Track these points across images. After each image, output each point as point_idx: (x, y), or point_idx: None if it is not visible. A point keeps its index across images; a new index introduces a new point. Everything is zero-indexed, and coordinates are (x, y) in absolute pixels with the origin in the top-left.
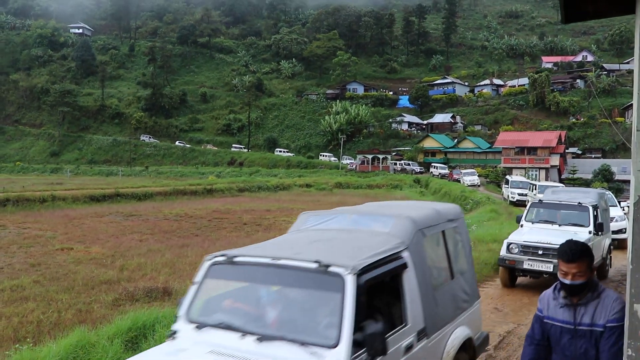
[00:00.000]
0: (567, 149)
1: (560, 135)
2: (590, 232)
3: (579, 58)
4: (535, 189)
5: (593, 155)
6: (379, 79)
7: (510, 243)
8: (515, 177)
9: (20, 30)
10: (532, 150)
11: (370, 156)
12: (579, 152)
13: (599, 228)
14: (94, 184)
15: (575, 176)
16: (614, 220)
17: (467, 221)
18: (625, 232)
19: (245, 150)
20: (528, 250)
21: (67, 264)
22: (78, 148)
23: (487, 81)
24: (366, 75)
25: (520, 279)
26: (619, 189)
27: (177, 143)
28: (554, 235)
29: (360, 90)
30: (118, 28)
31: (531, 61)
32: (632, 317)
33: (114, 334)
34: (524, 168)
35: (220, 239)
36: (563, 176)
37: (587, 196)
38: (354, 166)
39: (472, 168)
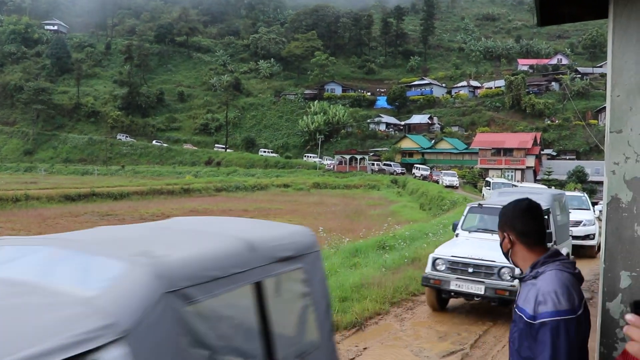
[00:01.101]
0: (542, 150)
1: (535, 137)
2: None
3: (554, 61)
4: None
5: (567, 157)
6: (357, 80)
7: (437, 258)
8: (496, 178)
9: None
10: (508, 151)
11: (348, 156)
12: (554, 153)
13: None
14: (69, 183)
15: (551, 177)
16: (582, 224)
17: (443, 221)
18: (593, 238)
19: (229, 151)
20: (457, 267)
21: None
22: (53, 147)
23: (464, 83)
24: (344, 76)
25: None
26: (593, 190)
27: (154, 142)
28: (489, 249)
29: (339, 91)
30: (94, 26)
31: (507, 63)
32: (604, 315)
33: None
34: (500, 169)
35: None
36: (538, 177)
37: (537, 197)
38: (332, 166)
39: (451, 169)
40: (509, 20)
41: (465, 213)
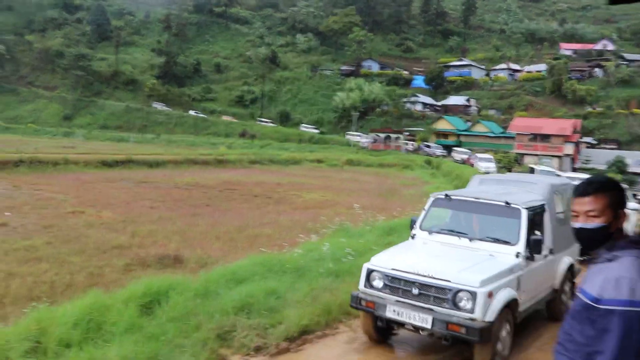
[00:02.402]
0: (582, 138)
1: (575, 124)
2: (518, 255)
3: (599, 46)
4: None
5: (608, 146)
6: (395, 58)
7: (372, 270)
8: (542, 166)
9: None
10: (546, 137)
11: (382, 135)
12: (594, 142)
13: (534, 247)
14: (106, 149)
15: (589, 166)
16: None
17: None
18: None
19: (272, 124)
20: (398, 285)
21: (78, 227)
22: (90, 113)
23: (503, 65)
24: (382, 53)
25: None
26: (632, 181)
27: (191, 112)
28: (451, 260)
29: (375, 68)
30: None
31: (550, 47)
32: None
33: (128, 298)
34: (537, 155)
35: (230, 210)
36: (576, 165)
37: (530, 188)
38: (366, 144)
39: (488, 153)
40: (553, 2)
41: (427, 207)
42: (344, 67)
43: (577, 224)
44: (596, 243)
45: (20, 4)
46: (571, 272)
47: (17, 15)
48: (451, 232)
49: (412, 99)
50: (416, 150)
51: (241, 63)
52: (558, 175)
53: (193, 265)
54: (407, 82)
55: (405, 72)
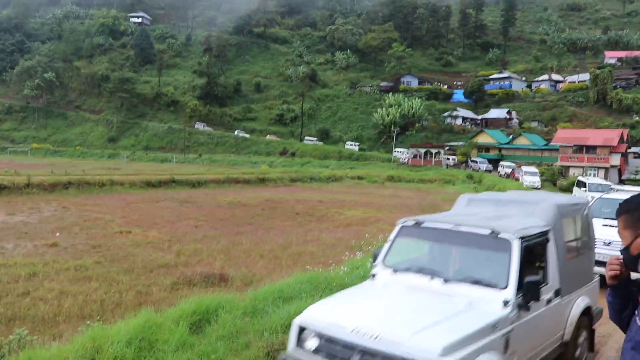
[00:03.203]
0: (630, 148)
1: (622, 134)
2: (507, 303)
3: None
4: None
5: None
6: (434, 72)
7: (304, 328)
8: (593, 178)
9: (84, 19)
10: (591, 148)
11: (423, 150)
12: None
13: (529, 291)
14: (150, 169)
15: (638, 177)
16: None
17: None
18: None
19: (319, 143)
20: (335, 349)
21: (126, 247)
22: (134, 134)
23: (545, 76)
24: (421, 68)
25: None
26: None
27: (236, 132)
28: (405, 314)
29: (415, 83)
30: (175, 17)
31: (593, 56)
32: None
33: (178, 316)
34: (582, 167)
35: (273, 228)
36: (624, 177)
37: (531, 210)
38: (406, 160)
39: (533, 166)
40: (596, 10)
41: (392, 236)
42: (383, 83)
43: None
44: (628, 265)
45: (69, 32)
46: (589, 317)
47: (66, 43)
48: (421, 270)
49: (453, 113)
50: (457, 165)
51: (281, 82)
52: (611, 188)
53: (238, 283)
54: (447, 97)
55: (445, 87)
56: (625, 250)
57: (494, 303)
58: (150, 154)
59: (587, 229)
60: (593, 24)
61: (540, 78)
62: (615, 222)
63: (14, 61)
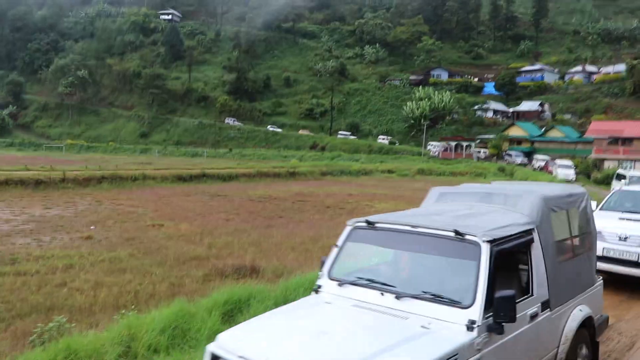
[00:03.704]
0: None
1: None
2: (472, 326)
3: None
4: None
5: None
6: (464, 65)
7: (217, 356)
8: (634, 170)
9: (116, 17)
10: (627, 140)
11: (453, 143)
12: None
13: (501, 310)
14: (181, 164)
15: None
16: None
17: None
18: None
19: (352, 137)
20: None
21: (158, 240)
22: (166, 130)
23: (578, 68)
24: (451, 61)
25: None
26: None
27: (268, 127)
28: (339, 341)
29: (445, 77)
30: (205, 14)
31: (630, 46)
32: None
33: (211, 306)
34: (618, 159)
35: (304, 221)
36: None
37: (512, 204)
38: (437, 153)
39: (568, 159)
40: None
41: (340, 241)
42: (413, 77)
43: None
44: None
45: (101, 31)
46: (590, 329)
47: (98, 41)
48: (371, 283)
49: (483, 106)
50: (488, 158)
51: (310, 77)
52: None
53: (270, 275)
54: (478, 90)
55: (475, 79)
56: None
57: (455, 326)
58: (182, 148)
59: (587, 224)
60: (630, 13)
61: (574, 69)
62: (635, 216)
63: (49, 60)
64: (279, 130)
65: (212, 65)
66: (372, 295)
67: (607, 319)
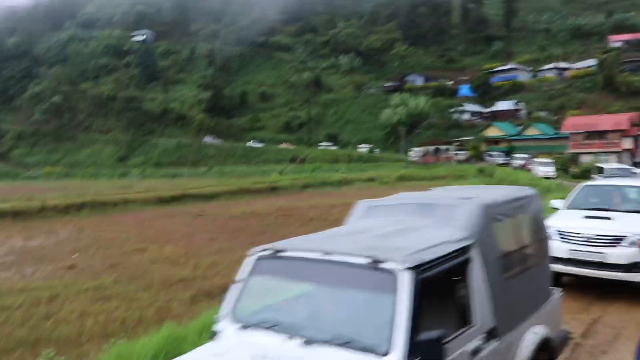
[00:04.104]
0: None
1: (632, 118)
2: None
3: None
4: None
5: None
6: (439, 69)
7: None
8: (611, 163)
9: (88, 41)
10: (602, 134)
11: (432, 148)
12: None
13: (427, 355)
14: (161, 186)
15: None
16: (624, 242)
17: None
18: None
19: (334, 147)
20: None
21: (143, 264)
22: (144, 152)
23: (551, 65)
24: (425, 66)
25: None
26: None
27: (250, 143)
28: None
29: (420, 82)
30: (178, 33)
31: (598, 41)
32: None
33: (201, 328)
34: (594, 153)
35: (288, 235)
36: (636, 160)
37: (448, 217)
38: (417, 158)
39: (545, 156)
40: None
41: (244, 274)
42: (388, 84)
43: None
44: None
45: (74, 55)
46: (548, 350)
47: (72, 66)
48: (277, 326)
49: (459, 108)
50: (468, 160)
51: (286, 90)
52: (633, 173)
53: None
54: (453, 93)
55: (450, 83)
56: None
57: None
58: (161, 170)
59: (539, 230)
60: (596, 8)
61: (546, 67)
62: (602, 214)
63: (24, 87)
64: (261, 145)
65: (188, 84)
66: (276, 341)
67: (567, 335)
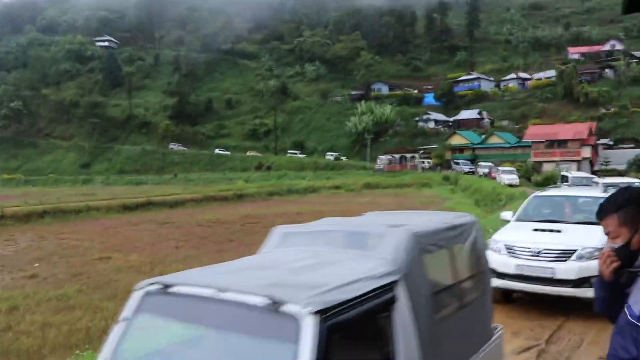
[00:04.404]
0: (599, 140)
1: (590, 127)
2: None
3: (607, 47)
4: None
5: (626, 146)
6: (404, 78)
7: None
8: (577, 172)
9: (49, 46)
10: (562, 143)
11: (397, 156)
12: (611, 143)
13: None
14: (126, 193)
15: (609, 167)
16: (575, 256)
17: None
18: None
19: (302, 156)
20: None
21: (107, 273)
22: (108, 159)
23: (512, 75)
24: (390, 75)
25: None
26: None
27: (217, 151)
28: None
29: (385, 90)
30: (143, 39)
31: (557, 53)
32: None
33: None
34: (555, 161)
35: (254, 243)
36: (595, 168)
37: (369, 249)
38: (382, 166)
39: (508, 164)
40: (556, 8)
41: (128, 313)
42: (354, 92)
43: (607, 245)
44: (626, 262)
45: (35, 60)
46: None
47: (32, 71)
48: None
49: (424, 117)
50: (432, 168)
51: (252, 97)
52: (596, 183)
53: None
54: (418, 101)
55: (415, 91)
56: (623, 248)
57: None
58: (125, 177)
59: (478, 262)
60: (555, 21)
61: (508, 77)
62: (552, 226)
63: None
64: (227, 153)
65: (153, 90)
66: None
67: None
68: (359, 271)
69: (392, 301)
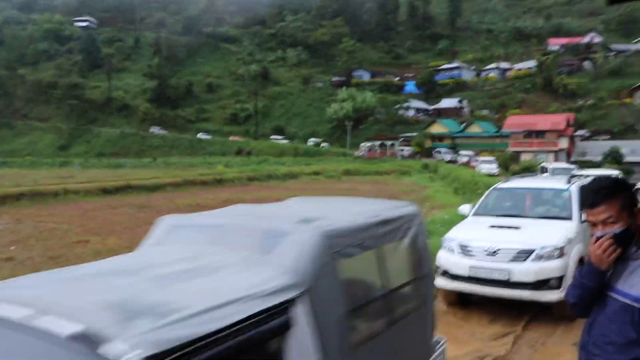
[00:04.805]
0: (576, 131)
1: (568, 118)
2: None
3: (586, 39)
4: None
5: (602, 138)
6: (385, 65)
7: None
8: (556, 163)
9: (26, 25)
10: (540, 133)
11: (377, 143)
12: (588, 134)
13: None
14: (104, 176)
15: (585, 159)
16: (535, 256)
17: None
18: (559, 287)
19: (285, 141)
20: None
21: (85, 256)
22: (86, 141)
23: (493, 65)
24: (372, 62)
25: None
26: (629, 171)
27: (199, 135)
28: None
29: (367, 77)
30: (123, 20)
31: (538, 43)
32: None
33: None
34: (533, 152)
35: None
36: (572, 159)
37: (265, 252)
38: (362, 153)
39: (487, 154)
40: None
41: None
42: (335, 78)
43: (598, 232)
44: (623, 246)
45: (11, 39)
46: None
47: (8, 50)
48: None
49: (405, 105)
50: (412, 156)
51: (233, 81)
52: (576, 175)
53: None
54: (399, 89)
55: (397, 79)
56: (624, 232)
57: None
58: (104, 160)
59: (419, 264)
60: (536, 12)
61: (489, 67)
62: (510, 222)
63: None
64: (209, 137)
65: (133, 72)
66: None
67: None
68: (242, 286)
69: (284, 328)
